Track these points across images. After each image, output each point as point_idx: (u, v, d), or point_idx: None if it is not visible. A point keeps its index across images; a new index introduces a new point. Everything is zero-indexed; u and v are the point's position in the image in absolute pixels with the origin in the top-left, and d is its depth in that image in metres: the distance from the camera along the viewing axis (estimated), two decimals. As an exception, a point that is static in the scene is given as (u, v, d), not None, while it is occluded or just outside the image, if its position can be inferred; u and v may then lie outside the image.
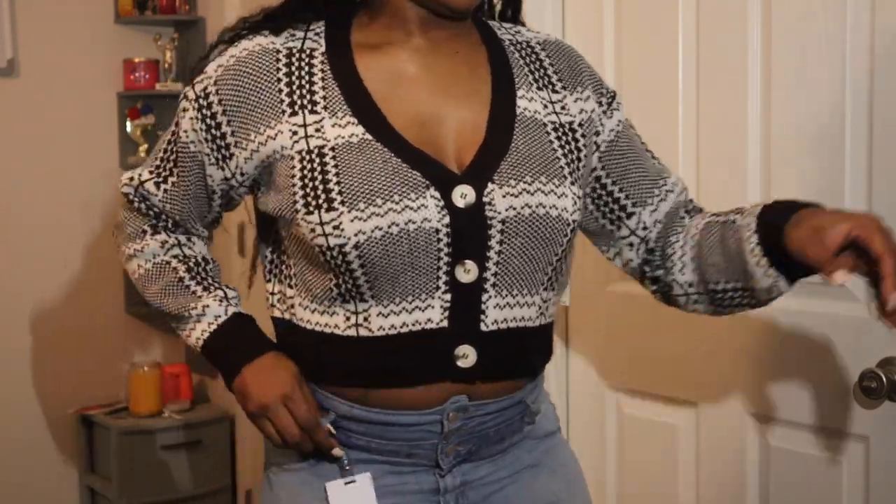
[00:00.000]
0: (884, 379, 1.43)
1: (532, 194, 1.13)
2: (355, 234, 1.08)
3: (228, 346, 1.24)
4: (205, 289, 1.26)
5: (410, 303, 1.12)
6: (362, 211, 1.08)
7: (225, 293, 1.26)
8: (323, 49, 1.17)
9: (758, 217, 1.14)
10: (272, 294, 1.24)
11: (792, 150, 1.57)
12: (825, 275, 1.05)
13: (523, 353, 1.19)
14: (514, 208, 1.12)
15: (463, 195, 1.10)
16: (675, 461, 1.79)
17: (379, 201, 1.08)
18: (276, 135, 1.13)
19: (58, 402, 3.24)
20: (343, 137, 1.11)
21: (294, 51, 1.17)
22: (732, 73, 1.64)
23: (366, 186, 1.08)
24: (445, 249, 1.10)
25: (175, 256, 1.27)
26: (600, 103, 1.25)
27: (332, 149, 1.11)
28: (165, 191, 1.24)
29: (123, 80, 3.30)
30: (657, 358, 1.80)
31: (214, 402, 3.37)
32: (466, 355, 1.13)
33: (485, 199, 1.11)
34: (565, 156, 1.18)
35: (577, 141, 1.20)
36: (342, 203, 1.08)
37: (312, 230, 1.10)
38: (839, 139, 1.50)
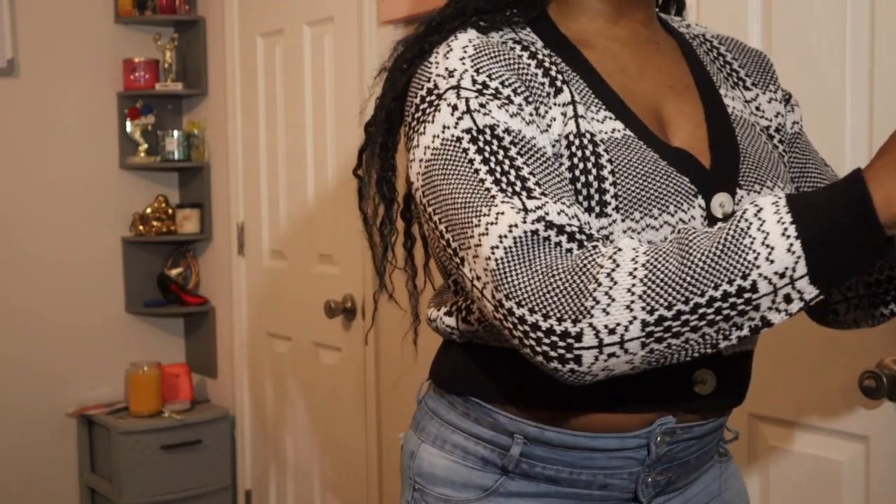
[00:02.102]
0: (884, 379, 1.44)
1: None
2: None
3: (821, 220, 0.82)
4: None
5: None
6: (637, 222, 0.92)
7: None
8: (542, 43, 1.01)
9: None
10: (442, 302, 1.06)
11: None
12: None
13: (748, 376, 1.06)
14: None
15: (721, 204, 0.96)
16: (675, 461, 1.79)
17: (655, 211, 0.92)
18: (551, 122, 0.95)
19: (58, 402, 3.24)
20: (605, 132, 0.95)
21: (516, 41, 0.99)
22: (732, 73, 1.64)
23: (643, 192, 0.92)
24: None
25: (683, 231, 0.87)
26: (785, 101, 1.14)
27: (603, 140, 0.94)
28: (543, 193, 0.89)
29: (123, 80, 3.30)
30: (657, 358, 1.80)
31: (214, 402, 3.37)
32: (705, 380, 0.99)
33: (737, 208, 0.97)
34: (780, 156, 1.06)
35: (781, 144, 1.09)
36: (616, 209, 0.92)
37: None
38: (839, 139, 1.50)
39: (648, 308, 0.80)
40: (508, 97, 0.93)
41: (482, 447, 1.02)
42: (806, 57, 1.54)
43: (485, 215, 0.87)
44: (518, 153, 0.91)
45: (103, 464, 3.20)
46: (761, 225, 0.79)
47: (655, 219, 0.92)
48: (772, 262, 0.78)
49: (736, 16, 1.63)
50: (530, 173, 0.89)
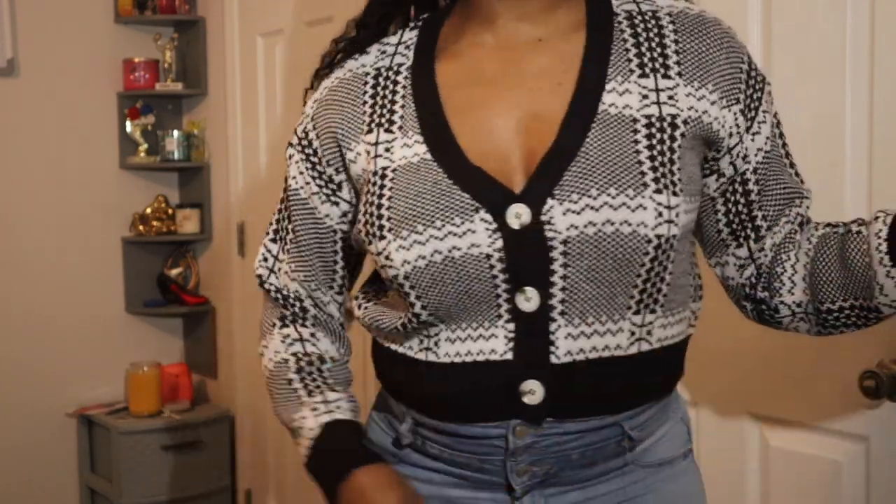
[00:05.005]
0: (884, 379, 1.43)
1: (597, 210, 0.97)
2: (402, 265, 1.01)
3: (320, 469, 1.12)
4: (309, 393, 1.16)
5: (475, 329, 1.03)
6: (405, 239, 1.01)
7: (325, 398, 1.15)
8: (410, 63, 1.11)
9: (890, 226, 1.01)
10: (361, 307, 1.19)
11: (792, 150, 1.57)
12: None
13: (610, 386, 1.04)
14: (577, 227, 0.97)
15: (517, 215, 0.98)
16: (675, 461, 1.79)
17: (420, 227, 1.00)
18: (356, 157, 1.09)
19: (58, 402, 3.24)
20: (406, 158, 1.05)
21: (382, 70, 1.12)
22: (732, 73, 1.64)
23: (409, 211, 1.01)
24: (501, 276, 1.00)
25: (294, 353, 1.19)
26: (745, 105, 1.06)
27: (394, 171, 1.04)
28: (288, 251, 1.19)
29: (123, 80, 3.30)
30: (657, 358, 1.80)
31: (214, 402, 3.37)
32: (533, 391, 1.01)
33: (543, 219, 0.98)
34: (652, 158, 1.00)
35: (674, 140, 1.02)
36: (389, 230, 1.02)
37: (377, 261, 1.05)
38: (839, 139, 1.50)
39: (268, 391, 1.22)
40: (315, 151, 1.13)
41: (390, 420, 1.16)
42: (806, 57, 1.54)
43: (266, 244, 1.24)
44: (288, 212, 1.18)
45: (103, 464, 3.20)
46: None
47: (420, 234, 1.00)
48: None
49: (736, 16, 1.63)
50: (288, 230, 1.19)
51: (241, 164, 3.13)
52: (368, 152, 1.08)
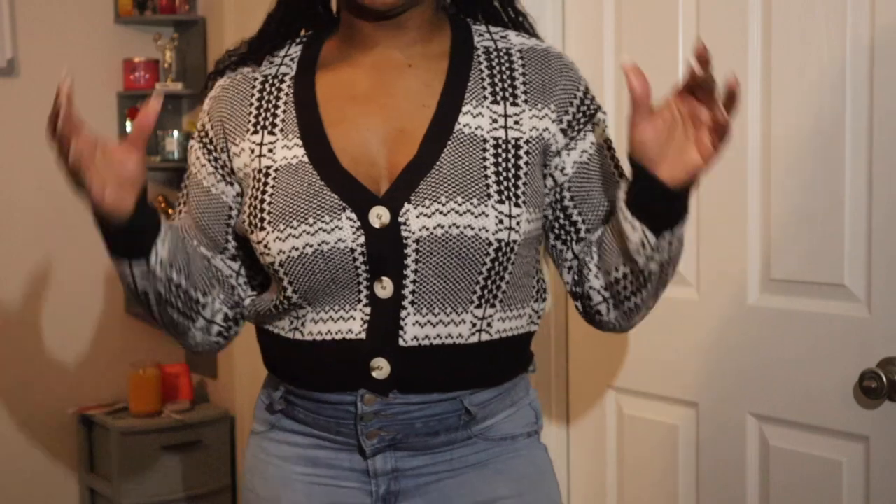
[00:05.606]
0: (884, 379, 1.44)
1: (445, 215, 1.14)
2: (278, 254, 1.17)
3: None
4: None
5: (337, 312, 1.19)
6: (282, 232, 1.16)
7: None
8: (293, 73, 1.26)
9: (632, 182, 1.14)
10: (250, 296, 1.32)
11: (792, 152, 1.57)
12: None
13: (451, 369, 1.20)
14: (427, 228, 1.14)
15: (378, 216, 1.15)
16: (675, 461, 1.79)
17: (294, 223, 1.16)
18: (240, 151, 1.24)
19: (58, 402, 3.24)
20: (286, 159, 1.19)
21: (269, 77, 1.27)
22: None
23: (287, 209, 1.16)
24: (363, 267, 1.16)
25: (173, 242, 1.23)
26: (567, 124, 1.22)
27: (276, 170, 1.19)
28: (180, 211, 1.31)
29: (123, 80, 3.30)
30: (657, 358, 1.80)
31: (214, 402, 3.37)
32: (381, 367, 1.18)
33: (400, 220, 1.14)
34: (498, 174, 1.17)
35: (518, 158, 1.19)
36: (269, 223, 1.17)
37: (256, 248, 1.20)
38: (839, 139, 1.51)
39: None
40: (211, 139, 1.26)
41: (270, 390, 1.30)
42: (806, 60, 1.54)
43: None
44: (186, 197, 1.30)
45: (103, 464, 3.20)
46: None
47: (295, 229, 1.15)
48: None
49: (736, 18, 1.64)
50: (183, 211, 1.30)
51: (241, 164, 3.12)
52: (253, 150, 1.22)
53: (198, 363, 3.41)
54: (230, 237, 1.28)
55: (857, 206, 1.49)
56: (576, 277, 1.27)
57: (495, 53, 1.24)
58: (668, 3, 1.74)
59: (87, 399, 3.28)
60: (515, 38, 1.26)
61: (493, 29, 1.27)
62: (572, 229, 1.25)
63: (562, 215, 1.25)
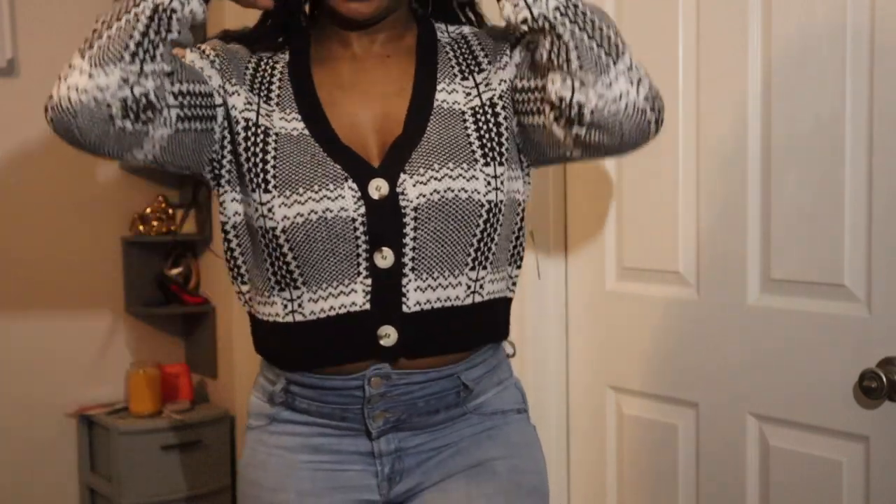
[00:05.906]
0: (884, 379, 1.44)
1: (440, 180, 1.22)
2: (282, 219, 1.22)
3: None
4: None
5: (336, 287, 1.24)
6: (288, 198, 1.22)
7: None
8: (287, 61, 1.33)
9: None
10: (240, 294, 1.37)
11: (792, 152, 1.57)
12: None
13: (450, 331, 1.27)
14: (424, 195, 1.21)
15: (378, 188, 1.21)
16: (675, 461, 1.79)
17: (301, 190, 1.21)
18: (236, 93, 1.28)
19: (58, 402, 3.24)
20: (286, 129, 1.26)
21: (263, 57, 1.34)
22: (732, 73, 1.64)
23: (292, 175, 1.22)
24: (363, 238, 1.22)
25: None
26: (518, 55, 1.28)
27: (277, 135, 1.25)
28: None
29: (123, 80, 3.30)
30: (657, 358, 1.80)
31: (214, 402, 3.37)
32: (388, 335, 1.24)
33: (398, 190, 1.21)
34: (480, 138, 1.25)
35: (497, 116, 1.27)
36: (275, 187, 1.22)
37: (256, 210, 1.24)
38: (839, 139, 1.51)
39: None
40: (213, 62, 1.30)
41: (267, 385, 1.36)
42: (806, 57, 1.54)
43: None
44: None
45: (103, 464, 3.20)
46: None
47: (301, 195, 1.21)
48: None
49: (736, 16, 1.63)
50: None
51: (241, 164, 3.12)
52: (249, 102, 1.28)
53: (198, 363, 3.41)
54: (192, 84, 1.25)
55: (857, 207, 1.49)
56: (550, 104, 1.21)
57: (455, 41, 1.35)
58: (668, 2, 1.74)
59: (87, 399, 3.28)
60: (467, 28, 1.38)
61: (449, 28, 1.38)
62: (541, 94, 1.24)
63: (530, 93, 1.25)
